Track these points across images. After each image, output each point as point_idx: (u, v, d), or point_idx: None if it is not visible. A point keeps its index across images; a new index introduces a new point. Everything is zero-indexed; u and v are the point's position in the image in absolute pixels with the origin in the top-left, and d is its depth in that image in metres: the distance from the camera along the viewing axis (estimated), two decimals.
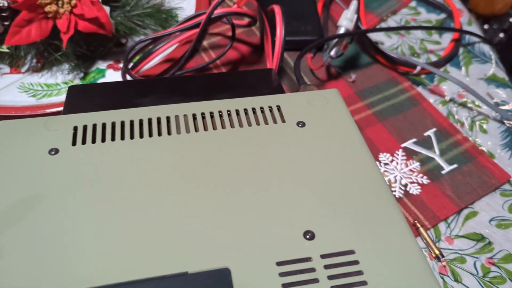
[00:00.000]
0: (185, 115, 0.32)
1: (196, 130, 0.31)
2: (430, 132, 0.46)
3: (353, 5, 0.46)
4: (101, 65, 0.49)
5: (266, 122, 0.32)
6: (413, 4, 0.61)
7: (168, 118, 0.31)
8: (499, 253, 0.38)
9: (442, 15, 0.59)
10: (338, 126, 0.32)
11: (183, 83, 0.37)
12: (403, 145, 0.45)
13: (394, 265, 0.24)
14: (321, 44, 0.46)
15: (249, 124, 0.32)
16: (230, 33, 0.54)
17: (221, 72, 0.40)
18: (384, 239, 0.25)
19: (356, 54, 0.53)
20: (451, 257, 0.37)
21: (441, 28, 0.51)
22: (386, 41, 0.55)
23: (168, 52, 0.49)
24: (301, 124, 0.32)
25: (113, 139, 0.30)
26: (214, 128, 0.31)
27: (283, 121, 0.32)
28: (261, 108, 0.33)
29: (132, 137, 0.30)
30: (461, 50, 0.55)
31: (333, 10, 0.58)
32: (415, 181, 0.42)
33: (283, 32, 0.40)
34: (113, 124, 0.31)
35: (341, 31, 0.46)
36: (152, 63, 0.48)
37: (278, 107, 0.33)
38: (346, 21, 0.46)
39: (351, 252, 0.25)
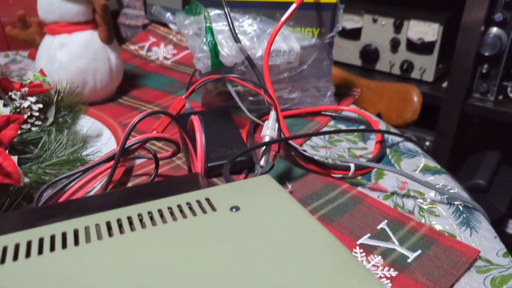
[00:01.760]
0: (97, 225, 0.27)
1: (111, 235, 0.25)
2: (383, 225, 0.43)
3: (272, 115, 0.46)
4: None
5: (194, 214, 0.27)
6: (332, 123, 0.63)
7: (86, 228, 0.26)
8: None
9: (362, 127, 0.62)
10: (276, 201, 0.28)
11: (98, 200, 0.32)
12: (359, 242, 0.41)
13: None
14: (249, 163, 0.44)
15: (174, 219, 0.27)
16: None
17: (142, 183, 0.36)
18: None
19: (288, 168, 0.52)
20: None
21: (365, 130, 0.53)
22: (314, 156, 0.55)
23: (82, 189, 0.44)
24: (235, 209, 0.27)
25: (40, 252, 0.24)
26: (132, 230, 0.26)
27: (214, 209, 0.28)
28: (188, 203, 0.28)
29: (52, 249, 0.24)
30: (388, 150, 0.56)
31: (257, 137, 0.58)
32: (382, 275, 0.37)
33: (203, 135, 0.38)
34: (29, 243, 0.25)
35: (266, 140, 0.46)
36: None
37: (207, 199, 0.29)
38: (269, 130, 0.46)
39: None
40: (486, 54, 0.99)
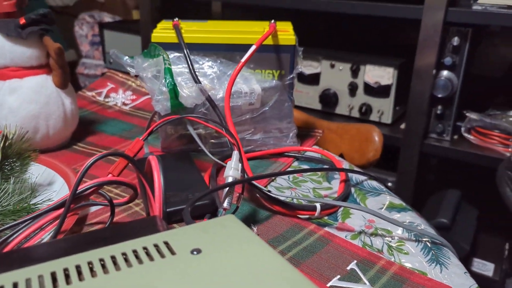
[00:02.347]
0: (40, 276, 0.24)
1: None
2: (352, 265, 0.41)
3: (235, 155, 0.45)
4: None
5: (151, 259, 0.25)
6: (295, 164, 0.62)
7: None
8: None
9: (325, 166, 0.61)
10: (241, 242, 0.26)
11: (44, 250, 0.29)
12: (329, 284, 0.39)
13: None
14: (212, 206, 0.42)
15: (129, 266, 0.24)
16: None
17: (96, 229, 0.33)
18: None
19: (253, 210, 0.50)
20: None
21: (330, 169, 0.52)
22: (279, 197, 0.53)
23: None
24: (196, 251, 0.25)
25: None
26: (81, 281, 0.23)
27: (173, 253, 0.25)
28: (144, 248, 0.26)
29: None
30: (352, 189, 0.55)
31: (220, 181, 0.56)
32: None
33: (161, 175, 0.36)
34: None
35: (229, 181, 0.44)
36: None
37: (166, 243, 0.27)
38: (231, 170, 0.44)
39: None
40: (439, 96, 1.03)
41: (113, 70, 0.89)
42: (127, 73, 0.62)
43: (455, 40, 0.99)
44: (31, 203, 0.45)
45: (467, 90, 1.10)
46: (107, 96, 0.82)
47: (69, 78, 0.62)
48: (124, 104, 0.80)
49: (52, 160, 0.55)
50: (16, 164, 0.49)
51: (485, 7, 0.94)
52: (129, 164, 0.41)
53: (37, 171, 0.53)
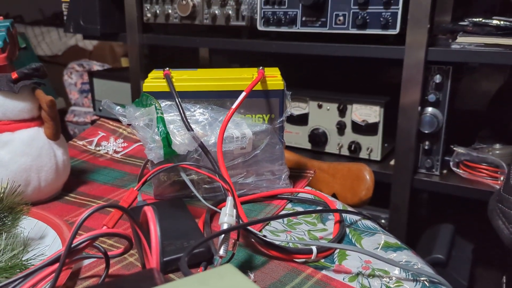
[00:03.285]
0: None
1: None
2: None
3: (229, 201, 0.45)
4: None
5: None
6: (289, 206, 0.62)
7: None
8: None
9: (318, 208, 0.61)
10: None
11: None
12: None
13: None
14: (208, 253, 0.42)
15: None
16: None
17: (91, 285, 0.33)
18: None
19: (249, 257, 0.49)
20: None
21: (323, 210, 0.52)
22: (275, 241, 0.53)
23: None
24: None
25: None
26: None
27: None
28: None
29: None
30: (347, 230, 0.55)
31: (214, 227, 0.56)
32: None
33: (158, 226, 0.36)
34: None
35: (224, 228, 0.44)
36: None
37: None
38: (226, 217, 0.44)
39: None
40: (426, 131, 1.05)
41: (103, 117, 0.90)
42: (118, 121, 0.63)
43: (437, 78, 1.02)
44: (23, 259, 0.44)
45: (452, 125, 1.12)
46: (98, 144, 0.82)
47: (61, 129, 0.62)
48: (115, 152, 0.80)
49: (44, 212, 0.55)
50: (8, 219, 0.48)
51: (463, 45, 0.98)
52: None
53: (28, 225, 0.52)
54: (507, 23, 0.96)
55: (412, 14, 0.99)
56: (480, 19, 0.98)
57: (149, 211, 0.36)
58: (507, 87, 1.33)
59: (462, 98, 1.30)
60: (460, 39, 0.98)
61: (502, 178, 1.00)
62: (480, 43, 0.96)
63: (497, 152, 1.06)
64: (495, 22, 0.96)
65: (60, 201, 0.62)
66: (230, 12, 1.21)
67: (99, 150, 0.80)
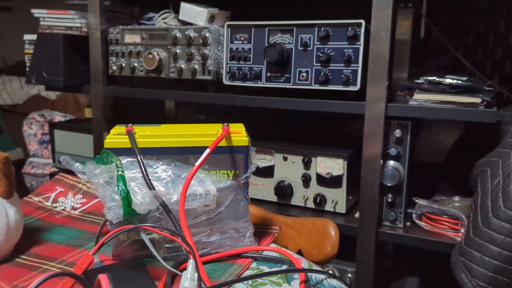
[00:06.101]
0: None
1: None
2: None
3: (191, 264, 0.43)
4: None
5: None
6: (254, 265, 0.61)
7: None
8: None
9: (284, 267, 0.60)
10: None
11: None
12: None
13: None
14: None
15: None
16: None
17: None
18: None
19: None
20: None
21: (289, 270, 0.51)
22: None
23: None
24: None
25: None
26: None
27: None
28: None
29: None
30: None
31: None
32: None
33: None
34: None
35: None
36: None
37: None
38: (187, 281, 0.42)
39: None
40: (388, 184, 1.07)
41: (63, 170, 0.87)
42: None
43: (397, 132, 1.06)
44: None
45: (413, 178, 1.15)
46: (55, 200, 0.78)
47: (14, 187, 0.59)
48: (73, 208, 0.76)
49: None
50: None
51: (420, 102, 1.02)
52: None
53: None
54: (459, 81, 1.01)
55: (371, 71, 1.03)
56: (435, 78, 1.03)
57: (104, 281, 0.34)
58: (462, 141, 1.39)
59: (421, 151, 1.34)
60: (417, 96, 1.03)
61: (462, 231, 1.02)
62: (435, 100, 1.01)
63: (457, 204, 1.09)
64: (448, 81, 1.02)
65: (9, 264, 0.58)
66: (196, 66, 1.23)
67: (55, 207, 0.77)
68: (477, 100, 0.97)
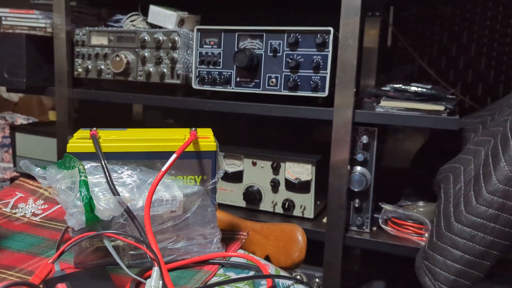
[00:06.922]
0: None
1: None
2: None
3: (156, 272, 0.42)
4: None
5: None
6: (221, 271, 0.60)
7: None
8: None
9: (251, 273, 0.60)
10: None
11: None
12: None
13: None
14: None
15: None
16: None
17: None
18: None
19: None
20: None
21: (255, 277, 0.50)
22: None
23: None
24: None
25: None
26: None
27: None
28: None
29: None
30: None
31: None
32: None
33: None
34: None
35: None
36: None
37: None
38: None
39: None
40: (356, 190, 1.09)
41: (24, 174, 0.84)
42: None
43: (364, 138, 1.07)
44: None
45: (380, 183, 1.17)
46: (14, 206, 0.75)
47: None
48: (34, 214, 0.74)
49: None
50: None
51: (386, 109, 1.05)
52: None
53: None
54: (424, 89, 1.04)
55: (339, 78, 1.05)
56: (401, 86, 1.06)
57: None
58: (427, 147, 1.42)
59: (388, 157, 1.37)
60: (383, 103, 1.05)
61: (426, 235, 1.05)
62: (401, 107, 1.03)
63: (421, 209, 1.11)
64: (413, 88, 1.04)
65: None
66: (165, 70, 1.21)
67: (15, 213, 0.74)
68: (441, 107, 1.00)
